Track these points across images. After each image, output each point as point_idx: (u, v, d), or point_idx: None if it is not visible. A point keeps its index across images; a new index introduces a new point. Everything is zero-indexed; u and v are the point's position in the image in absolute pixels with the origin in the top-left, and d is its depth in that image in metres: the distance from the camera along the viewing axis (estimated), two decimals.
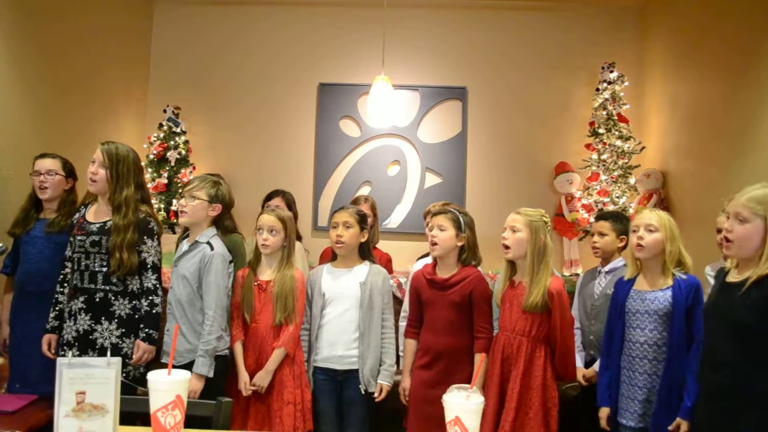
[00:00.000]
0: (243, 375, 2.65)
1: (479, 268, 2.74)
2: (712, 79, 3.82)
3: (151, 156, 4.67)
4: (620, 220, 3.06)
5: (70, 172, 3.04)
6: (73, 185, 3.06)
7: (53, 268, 2.81)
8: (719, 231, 2.89)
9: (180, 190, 4.30)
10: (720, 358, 1.92)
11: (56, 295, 2.72)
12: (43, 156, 2.99)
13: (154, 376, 1.45)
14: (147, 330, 2.58)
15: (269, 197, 3.65)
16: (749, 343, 1.83)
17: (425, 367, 2.63)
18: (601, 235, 3.03)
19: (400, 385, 2.71)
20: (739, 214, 1.91)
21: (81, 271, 2.59)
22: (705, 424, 1.98)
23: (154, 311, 2.60)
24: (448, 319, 2.60)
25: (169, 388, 1.43)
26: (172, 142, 4.71)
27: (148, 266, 2.63)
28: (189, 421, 1.55)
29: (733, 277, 1.97)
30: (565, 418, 2.48)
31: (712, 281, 2.96)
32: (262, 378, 2.62)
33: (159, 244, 2.69)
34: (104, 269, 2.57)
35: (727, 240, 1.94)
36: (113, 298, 2.58)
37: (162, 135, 4.73)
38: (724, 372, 1.88)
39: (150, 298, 2.61)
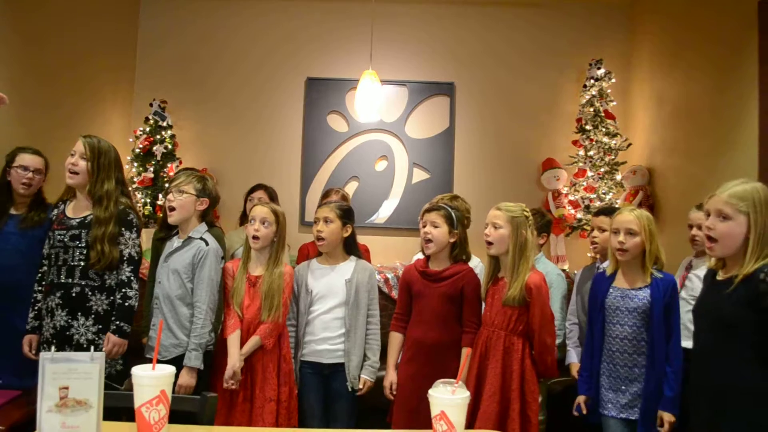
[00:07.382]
0: (235, 362, 2.57)
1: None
2: (698, 77, 3.85)
3: (137, 150, 4.62)
4: None
5: (47, 168, 2.98)
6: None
7: (27, 261, 2.74)
8: (691, 227, 2.93)
9: (166, 186, 4.27)
10: (707, 354, 1.93)
11: (35, 294, 2.66)
12: (29, 151, 2.90)
13: (138, 371, 1.44)
14: (118, 323, 2.51)
15: (252, 191, 3.67)
16: (734, 340, 1.83)
17: (412, 360, 2.62)
18: (601, 230, 3.01)
19: (384, 380, 2.70)
20: (721, 211, 1.86)
21: (58, 266, 2.53)
22: (694, 419, 1.99)
23: (126, 304, 2.54)
24: (438, 311, 2.60)
25: (153, 383, 1.42)
26: (158, 136, 4.67)
27: (125, 258, 2.57)
28: (174, 417, 1.54)
29: (720, 276, 1.96)
30: (555, 412, 2.49)
31: (685, 272, 2.99)
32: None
33: (138, 236, 2.64)
34: (82, 263, 2.51)
35: (710, 238, 1.91)
36: (90, 293, 2.52)
37: (148, 129, 4.68)
38: (711, 368, 1.89)
39: (123, 290, 2.54)
